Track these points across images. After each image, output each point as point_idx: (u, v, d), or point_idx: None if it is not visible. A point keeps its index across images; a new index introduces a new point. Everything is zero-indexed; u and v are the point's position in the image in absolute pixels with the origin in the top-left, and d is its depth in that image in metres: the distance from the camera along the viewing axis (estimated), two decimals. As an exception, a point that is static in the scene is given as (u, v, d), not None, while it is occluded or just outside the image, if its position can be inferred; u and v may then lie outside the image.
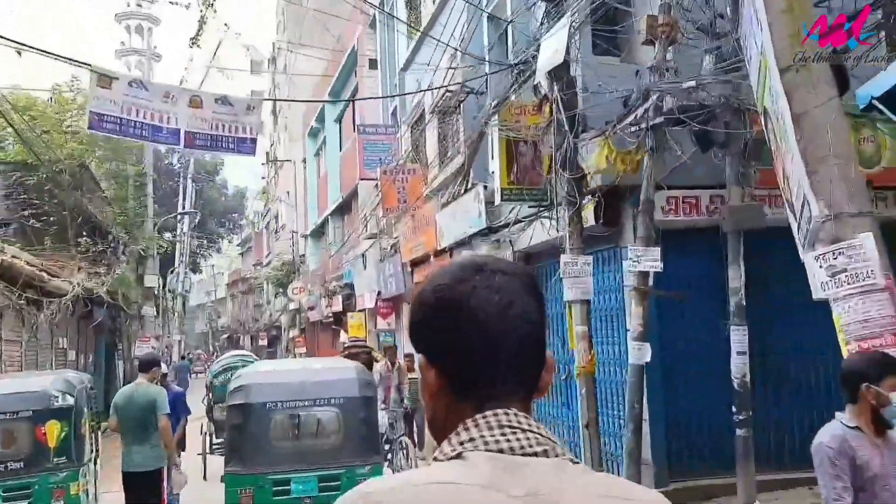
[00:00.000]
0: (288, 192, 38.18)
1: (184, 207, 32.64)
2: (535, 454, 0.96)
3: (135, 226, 22.07)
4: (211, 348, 71.73)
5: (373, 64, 21.25)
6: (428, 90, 13.54)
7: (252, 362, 12.09)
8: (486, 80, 10.56)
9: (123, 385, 23.24)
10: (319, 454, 6.46)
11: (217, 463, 10.79)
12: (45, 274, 12.83)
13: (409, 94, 15.45)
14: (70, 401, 6.76)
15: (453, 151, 12.85)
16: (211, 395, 12.20)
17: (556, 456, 0.97)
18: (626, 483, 1.05)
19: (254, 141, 7.03)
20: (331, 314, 24.17)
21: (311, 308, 26.84)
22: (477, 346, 1.00)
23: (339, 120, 27.03)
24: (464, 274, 1.03)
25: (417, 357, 1.07)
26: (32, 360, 13.80)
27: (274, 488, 6.20)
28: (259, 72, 70.08)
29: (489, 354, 1.00)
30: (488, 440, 0.95)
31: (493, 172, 11.26)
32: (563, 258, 7.84)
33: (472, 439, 0.96)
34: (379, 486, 0.96)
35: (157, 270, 22.79)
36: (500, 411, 0.98)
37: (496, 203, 9.48)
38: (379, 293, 18.12)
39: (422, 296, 1.06)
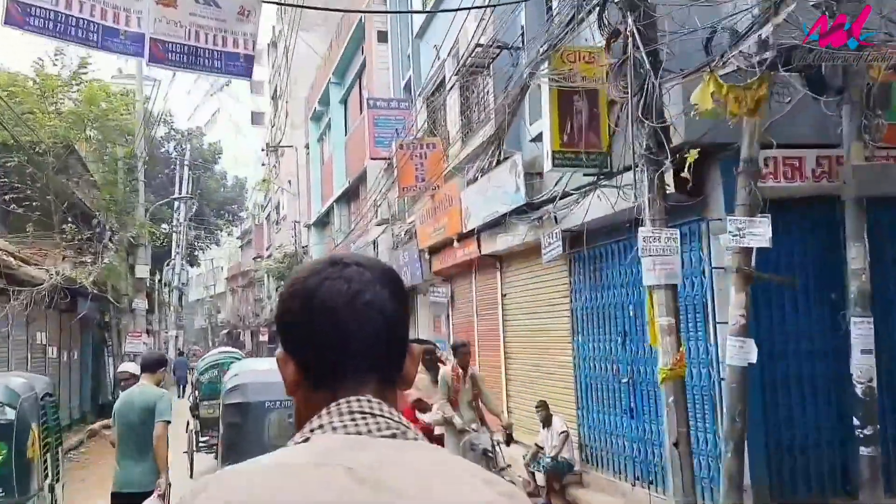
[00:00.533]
0: (290, 181, 36.50)
1: (180, 194, 30.97)
2: (383, 437, 0.94)
3: (124, 212, 20.39)
4: (210, 344, 70.22)
5: (382, 37, 19.58)
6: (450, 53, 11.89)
7: (239, 359, 11.98)
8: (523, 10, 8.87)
9: (113, 386, 21.86)
10: None
11: (203, 461, 10.97)
12: (12, 260, 11.17)
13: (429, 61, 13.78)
14: (9, 415, 5.13)
15: (483, 119, 11.18)
16: (197, 392, 12.04)
17: (408, 439, 0.95)
18: (471, 464, 1.00)
19: (249, 59, 5.18)
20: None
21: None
22: (326, 336, 0.99)
23: (345, 101, 25.36)
24: (318, 267, 1.04)
25: (277, 351, 1.06)
26: (2, 358, 12.15)
27: None
28: (258, 62, 68.25)
29: (339, 344, 0.99)
30: (336, 425, 0.95)
31: (530, 140, 9.61)
32: (643, 232, 6.18)
33: (321, 426, 0.95)
34: (225, 470, 0.97)
35: (149, 260, 21.11)
36: (352, 398, 0.97)
37: (545, 170, 7.81)
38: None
39: (282, 292, 1.06)
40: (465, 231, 11.88)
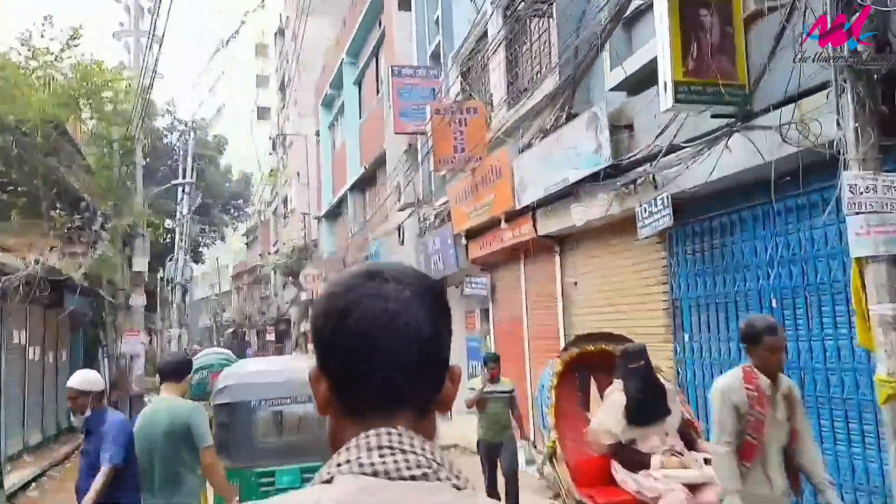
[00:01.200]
0: (298, 173, 34.52)
1: (183, 185, 28.99)
2: (413, 477, 0.87)
3: (120, 199, 18.38)
4: (215, 343, 68.40)
5: (404, 4, 17.54)
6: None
7: (231, 362, 11.65)
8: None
9: (109, 389, 19.92)
10: (302, 448, 6.43)
11: None
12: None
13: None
14: None
15: (543, 72, 9.15)
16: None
17: (438, 480, 0.88)
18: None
19: None
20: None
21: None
22: (359, 358, 0.92)
23: (359, 83, 23.36)
24: (354, 281, 0.96)
25: (310, 368, 0.99)
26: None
27: (260, 480, 6.26)
28: (264, 56, 66.48)
29: (372, 367, 0.92)
30: (363, 462, 0.87)
31: (610, 90, 7.57)
32: (849, 179, 4.15)
33: (348, 461, 0.88)
34: None
35: (148, 253, 19.09)
36: (382, 430, 0.90)
37: (662, 108, 5.77)
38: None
39: (316, 306, 0.99)
40: (516, 208, 9.87)
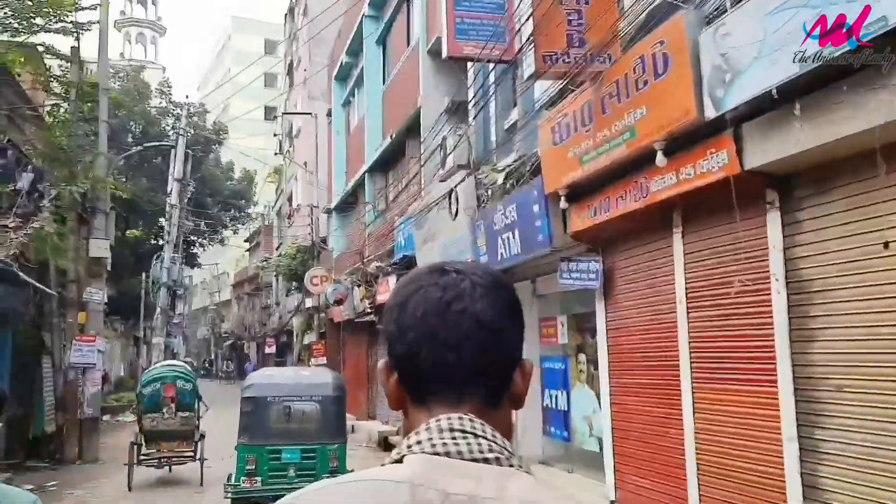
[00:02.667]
0: (306, 163, 30.15)
1: (176, 169, 24.61)
2: (486, 460, 0.85)
3: (73, 160, 13.96)
4: (213, 356, 63.64)
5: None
6: None
7: (187, 375, 12.30)
8: None
9: (54, 413, 13.85)
10: (303, 434, 9.00)
11: (144, 473, 11.55)
12: None
13: None
14: None
15: None
16: (139, 405, 11.94)
17: (510, 466, 0.86)
18: (569, 495, 0.98)
19: None
20: (372, 308, 15.98)
21: (340, 301, 18.69)
22: (419, 347, 0.91)
23: (383, 41, 19.00)
24: (416, 275, 0.97)
25: (381, 361, 0.98)
26: None
27: (270, 456, 8.81)
28: (273, 54, 62.55)
29: (432, 355, 0.91)
30: (436, 443, 0.86)
31: None
32: None
33: (418, 442, 0.87)
34: (309, 487, 0.88)
35: (111, 234, 14.64)
36: (453, 415, 0.88)
37: None
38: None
39: (388, 301, 0.98)
40: (706, 118, 5.39)
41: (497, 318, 0.92)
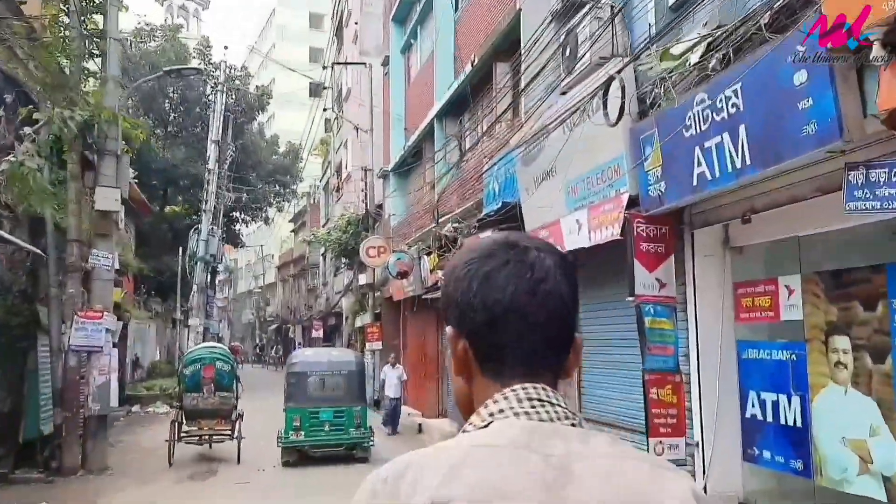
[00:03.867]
0: (357, 126, 26.83)
1: (214, 128, 21.49)
2: (564, 426, 0.91)
3: (74, 85, 10.72)
4: (259, 340, 61.11)
5: None
6: None
7: (225, 356, 12.99)
8: None
9: (51, 409, 8.38)
10: (334, 399, 12.19)
11: (184, 450, 12.20)
12: None
13: None
14: None
15: None
16: (181, 384, 12.72)
17: (585, 429, 0.93)
18: (654, 457, 0.97)
19: None
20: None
21: (404, 273, 15.27)
22: (506, 322, 0.94)
23: (455, -42, 15.43)
24: (494, 248, 0.97)
25: (448, 329, 1.00)
26: None
27: (310, 415, 11.90)
28: (319, 28, 59.39)
29: (518, 331, 0.94)
30: (518, 411, 0.91)
31: None
32: None
33: (501, 410, 0.91)
34: (415, 453, 0.91)
35: (125, 181, 11.36)
36: (528, 385, 0.93)
37: None
38: (635, 202, 6.62)
39: (453, 269, 0.99)
40: None
41: (572, 298, 0.96)
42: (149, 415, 19.68)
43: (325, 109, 27.72)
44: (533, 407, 0.90)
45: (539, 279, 0.93)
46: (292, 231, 53.33)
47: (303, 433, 11.82)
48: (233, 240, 37.48)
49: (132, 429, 16.40)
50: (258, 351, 55.98)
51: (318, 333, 32.41)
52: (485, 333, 0.94)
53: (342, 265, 28.00)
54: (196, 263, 23.46)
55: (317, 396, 12.20)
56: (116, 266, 11.47)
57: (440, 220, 13.04)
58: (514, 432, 0.87)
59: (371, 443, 12.09)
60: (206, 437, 12.29)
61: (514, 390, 0.92)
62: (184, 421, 12.16)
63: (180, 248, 25.35)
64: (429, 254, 14.46)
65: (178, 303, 25.21)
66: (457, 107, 15.01)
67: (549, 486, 0.83)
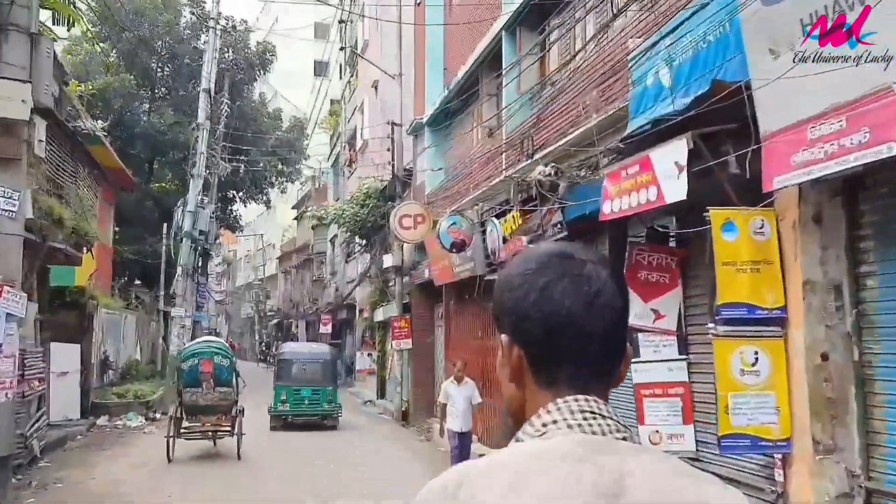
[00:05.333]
0: (376, 84, 22.48)
1: (205, 74, 17.14)
2: (616, 439, 0.92)
3: None
4: (258, 336, 56.68)
5: None
6: None
7: (224, 351, 12.83)
8: None
9: None
10: (312, 380, 15.80)
11: (185, 446, 11.84)
12: None
13: None
14: None
15: None
16: (179, 379, 12.45)
17: (636, 444, 0.95)
18: (701, 472, 0.95)
19: None
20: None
21: (461, 245, 10.85)
22: (563, 334, 0.96)
23: None
24: (549, 260, 0.99)
25: (502, 337, 1.01)
26: None
27: (293, 391, 15.52)
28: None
29: (574, 343, 0.96)
30: (571, 423, 0.92)
31: None
32: None
33: (554, 421, 0.93)
34: (469, 465, 0.92)
35: (41, 76, 7.02)
36: (580, 397, 0.95)
37: None
38: None
39: (508, 279, 1.01)
40: None
41: (626, 309, 0.99)
42: (117, 430, 15.34)
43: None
44: (585, 419, 0.92)
45: (595, 292, 0.95)
46: (295, 219, 48.97)
47: (287, 405, 15.56)
48: (230, 224, 33.11)
49: (87, 455, 12.03)
50: (263, 348, 51.02)
51: (325, 329, 28.09)
52: (541, 344, 0.96)
53: (357, 249, 23.66)
54: (181, 240, 19.10)
55: (299, 378, 15.82)
56: (28, 214, 7.10)
57: (532, 156, 8.68)
58: (569, 445, 0.89)
59: (339, 414, 15.98)
60: (208, 433, 12.17)
61: (566, 401, 0.93)
62: (184, 417, 11.99)
63: (164, 225, 20.99)
64: (500, 215, 10.12)
65: (161, 290, 20.85)
66: (537, 13, 10.65)
67: (606, 499, 0.84)
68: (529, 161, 8.63)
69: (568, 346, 0.95)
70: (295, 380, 15.65)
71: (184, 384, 12.04)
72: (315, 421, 15.47)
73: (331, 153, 34.42)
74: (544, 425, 0.92)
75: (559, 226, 8.56)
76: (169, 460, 11.15)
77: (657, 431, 6.29)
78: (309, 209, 42.55)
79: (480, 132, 13.11)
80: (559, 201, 8.20)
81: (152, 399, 17.49)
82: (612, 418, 0.93)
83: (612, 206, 6.20)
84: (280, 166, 34.17)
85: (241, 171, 24.41)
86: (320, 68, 44.42)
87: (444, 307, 15.06)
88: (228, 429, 11.98)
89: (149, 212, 25.43)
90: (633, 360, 6.49)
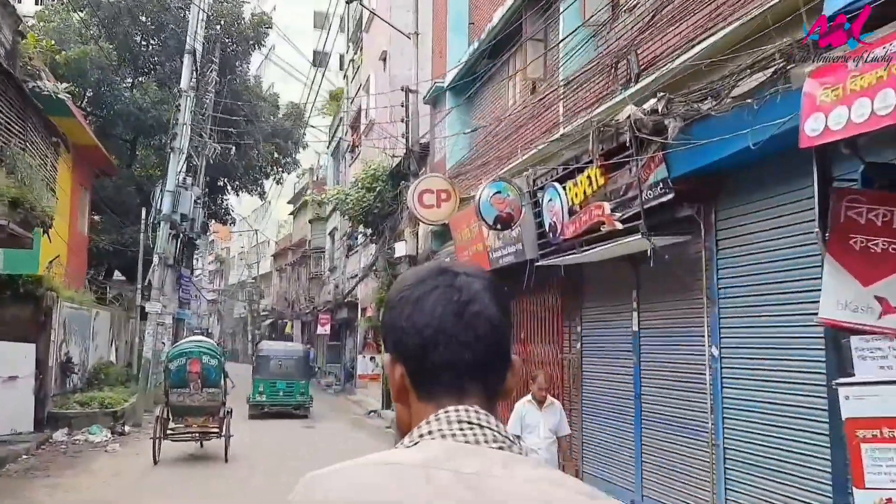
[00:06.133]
0: (384, 56, 20.00)
1: (191, 33, 14.63)
2: (490, 448, 0.88)
3: None
4: (250, 337, 53.93)
5: None
6: None
7: (213, 351, 12.38)
8: None
9: None
10: (286, 375, 17.63)
11: (173, 448, 11.54)
12: None
13: None
14: None
15: None
16: (166, 380, 12.05)
17: (513, 453, 0.90)
18: (576, 481, 0.91)
19: None
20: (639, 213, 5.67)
21: (507, 219, 8.30)
22: (436, 344, 0.94)
23: None
24: (426, 275, 0.99)
25: (384, 357, 1.04)
26: None
27: (270, 384, 17.52)
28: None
29: (448, 352, 0.93)
30: (445, 433, 0.90)
31: None
32: None
33: (430, 432, 0.90)
34: (324, 469, 0.90)
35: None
36: (460, 408, 0.92)
37: None
38: None
39: (389, 298, 1.00)
40: None
41: (502, 318, 0.96)
42: (75, 446, 12.76)
43: (332, 94, 20.75)
44: (462, 429, 0.90)
45: (465, 301, 0.94)
46: (291, 213, 46.43)
47: (265, 396, 17.50)
48: (220, 216, 30.53)
49: (23, 487, 9.43)
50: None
51: (323, 329, 25.54)
52: (418, 357, 0.94)
53: (360, 241, 21.13)
54: (159, 224, 16.52)
55: (275, 372, 17.71)
56: None
57: (637, 79, 6.18)
58: (431, 452, 0.87)
59: (310, 405, 18.07)
60: (195, 434, 11.87)
61: (446, 412, 0.92)
62: (170, 417, 11.71)
63: (143, 210, 18.42)
64: (562, 180, 7.62)
65: (139, 282, 18.26)
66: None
67: (455, 500, 0.82)
68: (636, 76, 6.11)
69: (442, 356, 0.92)
70: (272, 374, 17.67)
71: (171, 384, 11.78)
72: (289, 410, 17.57)
73: (330, 140, 31.89)
74: (421, 436, 0.89)
75: (661, 185, 6.07)
76: (155, 462, 10.92)
77: (888, 501, 3.78)
78: (309, 194, 40.02)
79: (519, 86, 10.63)
80: (667, 146, 5.70)
81: (123, 408, 14.92)
82: (491, 428, 0.90)
83: (824, 123, 3.69)
84: (276, 155, 31.62)
85: (231, 153, 21.79)
86: (320, 58, 41.90)
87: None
88: (216, 430, 11.71)
89: (130, 198, 22.86)
90: (842, 381, 3.98)
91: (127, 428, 14.64)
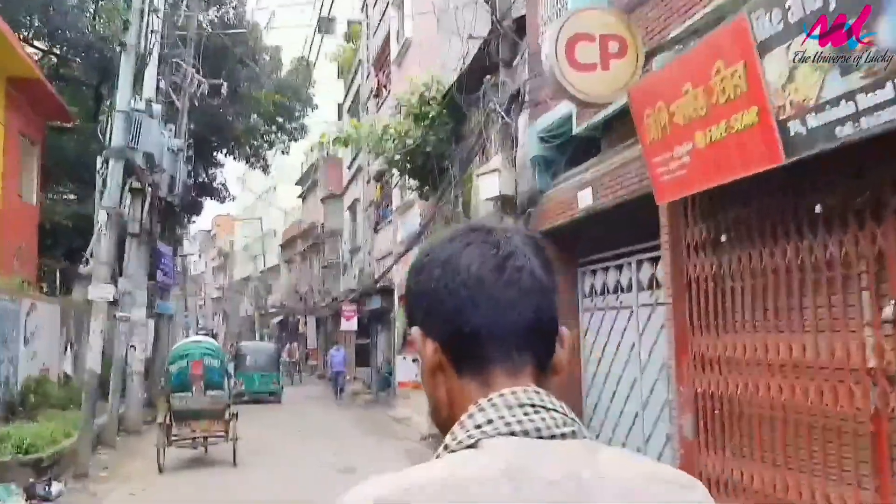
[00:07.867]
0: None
1: None
2: (563, 435, 0.77)
3: None
4: (258, 336, 48.44)
5: None
6: None
7: (211, 350, 11.66)
8: None
9: None
10: (260, 368, 21.96)
11: (176, 455, 11.07)
12: None
13: None
14: None
15: None
16: (167, 383, 11.51)
17: (585, 437, 0.79)
18: (667, 467, 0.83)
19: None
20: None
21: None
22: (473, 308, 0.80)
23: None
24: (456, 234, 0.85)
25: (413, 330, 0.85)
26: None
27: (248, 378, 21.38)
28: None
29: (489, 317, 0.80)
30: (509, 421, 0.76)
31: None
32: None
33: (489, 421, 0.76)
34: (388, 487, 0.73)
35: None
36: (517, 388, 0.78)
37: None
38: None
39: (414, 262, 0.87)
40: None
41: (548, 276, 0.84)
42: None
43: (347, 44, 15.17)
44: (526, 415, 0.77)
45: (505, 255, 0.81)
46: (300, 196, 40.98)
47: (244, 386, 20.42)
48: (213, 190, 25.11)
49: None
50: (304, 359, 35.36)
51: (349, 325, 20.15)
52: (454, 323, 0.80)
53: (405, 188, 15.61)
54: (105, 162, 11.03)
55: (251, 366, 21.59)
56: None
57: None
58: (504, 457, 0.74)
59: (283, 393, 21.94)
60: (199, 439, 11.28)
61: (502, 395, 0.78)
62: (173, 423, 10.92)
63: (98, 159, 12.84)
64: None
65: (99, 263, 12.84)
66: None
67: None
68: None
69: (483, 318, 0.79)
70: (249, 367, 21.45)
71: (172, 388, 11.10)
72: (263, 397, 20.88)
73: (346, 95, 26.36)
74: (477, 427, 0.76)
75: None
76: (160, 470, 10.22)
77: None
78: (315, 183, 34.57)
79: None
80: None
81: (54, 452, 9.48)
82: (557, 410, 0.78)
83: None
84: (280, 119, 26.15)
85: (223, 90, 16.26)
86: (325, 24, 36.30)
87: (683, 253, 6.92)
88: (222, 434, 11.13)
89: (91, 158, 17.41)
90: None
91: (64, 484, 9.20)
